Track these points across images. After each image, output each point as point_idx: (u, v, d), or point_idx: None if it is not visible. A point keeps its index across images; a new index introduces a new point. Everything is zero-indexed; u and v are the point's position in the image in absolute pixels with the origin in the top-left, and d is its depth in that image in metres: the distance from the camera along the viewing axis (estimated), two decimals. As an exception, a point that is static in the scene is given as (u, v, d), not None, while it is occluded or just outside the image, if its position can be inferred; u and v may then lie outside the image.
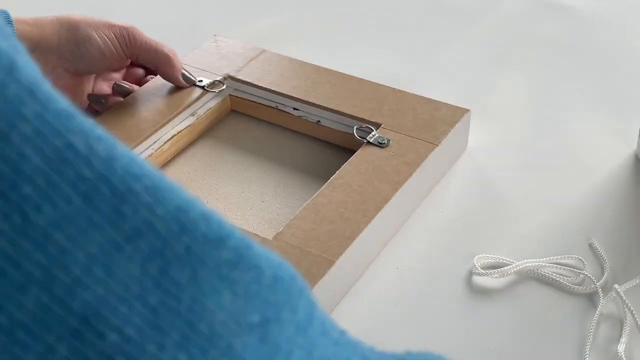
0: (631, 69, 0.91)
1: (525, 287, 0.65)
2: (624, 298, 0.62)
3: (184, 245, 0.30)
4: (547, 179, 0.76)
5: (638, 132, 0.78)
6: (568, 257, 0.67)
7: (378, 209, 0.66)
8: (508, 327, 0.61)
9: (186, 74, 0.81)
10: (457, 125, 0.75)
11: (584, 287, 0.64)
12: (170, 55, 0.79)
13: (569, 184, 0.75)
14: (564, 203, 0.73)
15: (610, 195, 0.74)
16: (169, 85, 0.82)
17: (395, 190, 0.67)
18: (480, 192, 0.75)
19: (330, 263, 0.61)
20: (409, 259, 0.68)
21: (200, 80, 0.82)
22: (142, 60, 0.80)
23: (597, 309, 0.62)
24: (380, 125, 0.74)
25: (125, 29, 0.77)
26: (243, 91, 0.83)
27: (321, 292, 0.60)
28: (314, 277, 0.60)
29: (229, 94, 0.83)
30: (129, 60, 0.80)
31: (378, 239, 0.67)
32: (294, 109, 0.80)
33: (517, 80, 0.90)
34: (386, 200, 0.66)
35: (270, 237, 0.64)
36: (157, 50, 0.79)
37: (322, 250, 0.62)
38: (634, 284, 0.64)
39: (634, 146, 0.79)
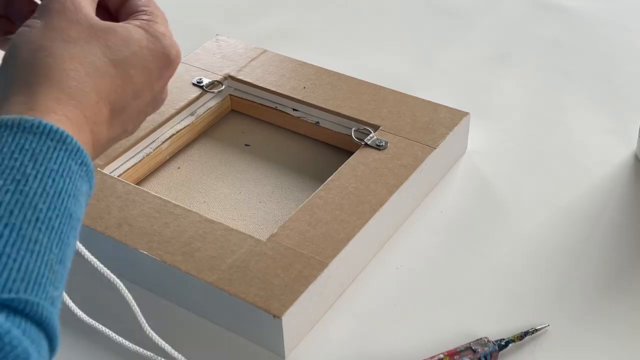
0: (631, 69, 0.91)
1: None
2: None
3: None
4: (547, 179, 0.76)
5: (638, 132, 0.78)
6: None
7: (373, 211, 0.65)
8: (508, 327, 0.62)
9: None
10: (456, 128, 0.74)
11: (582, 288, 0.65)
12: None
13: (569, 184, 0.75)
14: (564, 203, 0.73)
15: (610, 195, 0.74)
16: (169, 84, 0.82)
17: (391, 193, 0.67)
18: (480, 193, 0.75)
19: (322, 265, 0.61)
20: (409, 259, 0.68)
21: (200, 80, 0.82)
22: None
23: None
24: (379, 127, 0.74)
25: None
26: (243, 91, 0.83)
27: (313, 294, 0.60)
28: (306, 278, 0.60)
29: (229, 94, 0.83)
30: None
31: (373, 242, 0.68)
32: (294, 109, 0.80)
33: (517, 81, 0.90)
34: (382, 203, 0.66)
35: (264, 239, 0.64)
36: None
37: (315, 252, 0.62)
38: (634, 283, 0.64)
39: (634, 146, 0.79)
